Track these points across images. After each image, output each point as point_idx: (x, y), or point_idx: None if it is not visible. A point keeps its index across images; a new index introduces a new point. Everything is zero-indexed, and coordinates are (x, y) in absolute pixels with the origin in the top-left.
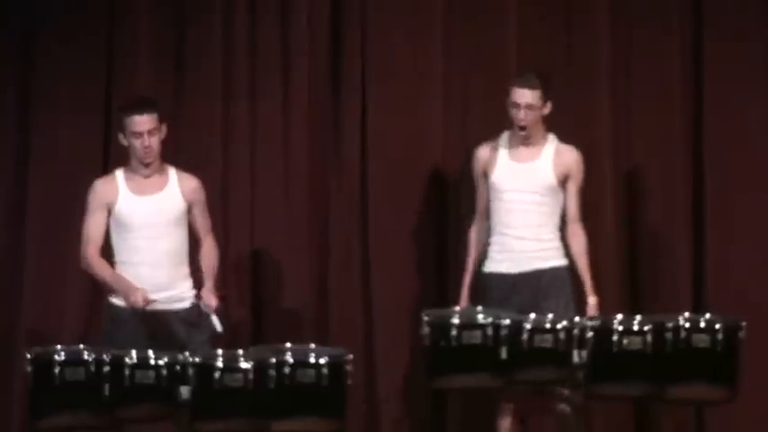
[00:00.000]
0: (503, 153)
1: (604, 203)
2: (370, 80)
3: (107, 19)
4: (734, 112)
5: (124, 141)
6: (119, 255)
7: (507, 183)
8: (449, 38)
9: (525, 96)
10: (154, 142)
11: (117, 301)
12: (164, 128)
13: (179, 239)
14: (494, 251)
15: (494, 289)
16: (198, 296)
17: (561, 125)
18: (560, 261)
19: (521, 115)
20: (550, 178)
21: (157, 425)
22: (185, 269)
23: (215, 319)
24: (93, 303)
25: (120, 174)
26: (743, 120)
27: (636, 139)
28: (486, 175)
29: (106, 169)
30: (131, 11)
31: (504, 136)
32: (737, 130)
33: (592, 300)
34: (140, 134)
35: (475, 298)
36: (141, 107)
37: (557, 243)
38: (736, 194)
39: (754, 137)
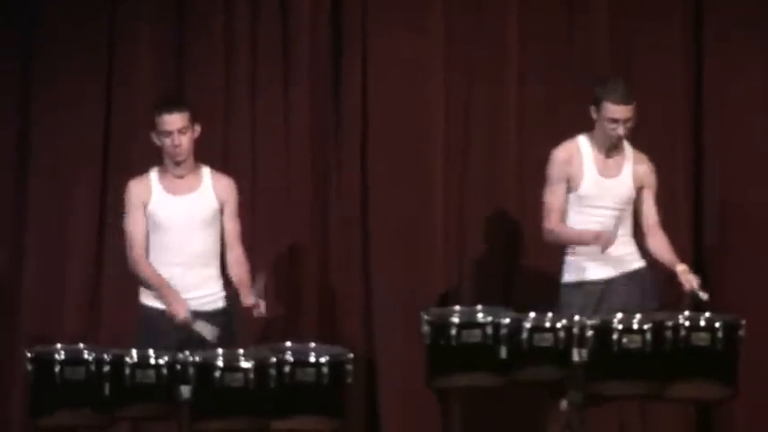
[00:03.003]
0: (588, 165)
1: None
2: (370, 75)
3: (108, 14)
4: (734, 107)
5: (157, 141)
6: (151, 254)
7: (596, 199)
8: (450, 29)
9: (625, 112)
10: (184, 141)
11: (147, 301)
12: (197, 127)
13: (211, 240)
14: (581, 260)
15: (585, 296)
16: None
17: (562, 121)
18: (643, 262)
19: (620, 131)
20: (632, 192)
21: (158, 424)
22: (216, 270)
23: (206, 327)
24: (92, 303)
25: (153, 173)
26: (744, 115)
27: (636, 137)
28: (568, 180)
29: (106, 169)
30: (133, 7)
31: (584, 141)
32: (738, 125)
33: (680, 266)
34: (170, 133)
35: (560, 308)
36: (171, 106)
37: (635, 247)
38: (736, 190)
39: (754, 132)
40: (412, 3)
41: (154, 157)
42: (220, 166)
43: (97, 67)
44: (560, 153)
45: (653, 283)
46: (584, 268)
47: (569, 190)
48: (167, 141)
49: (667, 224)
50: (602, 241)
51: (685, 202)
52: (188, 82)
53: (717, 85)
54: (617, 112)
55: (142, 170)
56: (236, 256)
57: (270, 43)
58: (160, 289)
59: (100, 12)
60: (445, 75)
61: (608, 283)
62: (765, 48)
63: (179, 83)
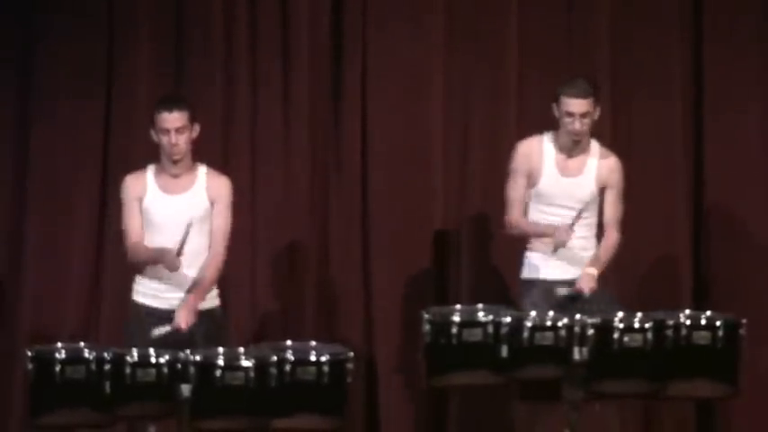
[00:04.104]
0: (549, 161)
1: None
2: (370, 76)
3: (107, 13)
4: (733, 111)
5: (155, 137)
6: None
7: (555, 198)
8: (450, 29)
9: (581, 106)
10: (181, 140)
11: (139, 299)
12: (196, 127)
13: (204, 239)
14: (535, 258)
15: (538, 293)
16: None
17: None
18: None
19: (577, 126)
20: (593, 193)
21: (158, 423)
22: None
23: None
24: (93, 302)
25: (150, 171)
26: (742, 119)
27: (636, 138)
28: (528, 174)
29: (106, 168)
30: (131, 7)
31: (548, 138)
32: (737, 128)
33: (590, 269)
34: (168, 131)
35: (519, 303)
36: (171, 104)
37: (595, 252)
38: (735, 192)
39: (753, 136)
40: (412, 1)
41: (154, 156)
42: (220, 165)
43: (96, 67)
44: (522, 147)
45: (603, 290)
46: (536, 266)
47: (529, 185)
48: (165, 139)
49: (667, 220)
50: (558, 234)
51: (686, 199)
52: (187, 80)
53: (717, 85)
54: (573, 105)
55: (141, 168)
56: (212, 256)
57: (269, 42)
58: (153, 255)
59: (99, 9)
60: (445, 74)
61: (557, 284)
62: (765, 47)
63: (178, 80)
